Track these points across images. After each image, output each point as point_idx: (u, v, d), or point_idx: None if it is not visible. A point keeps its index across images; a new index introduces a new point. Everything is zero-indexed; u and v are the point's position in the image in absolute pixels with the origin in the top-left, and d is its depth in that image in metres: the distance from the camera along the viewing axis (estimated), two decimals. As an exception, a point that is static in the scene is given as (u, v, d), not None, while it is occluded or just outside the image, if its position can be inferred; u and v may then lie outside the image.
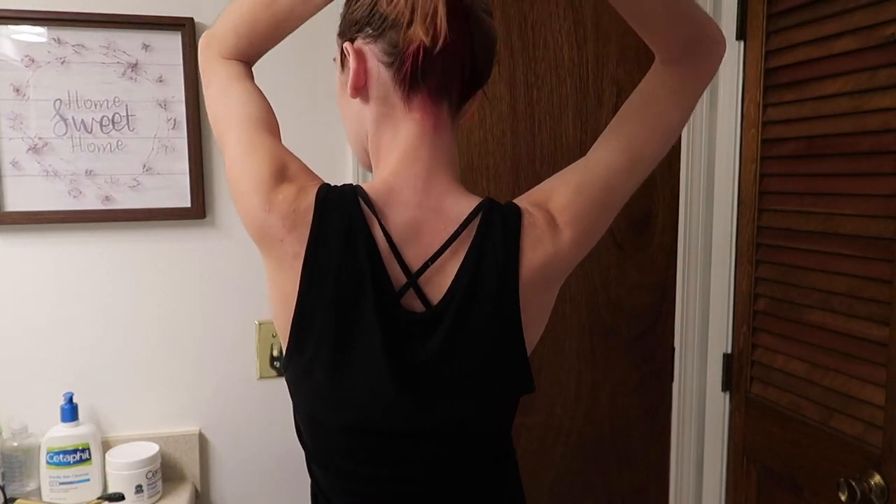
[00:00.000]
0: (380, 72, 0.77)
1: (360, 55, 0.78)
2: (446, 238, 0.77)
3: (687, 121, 0.86)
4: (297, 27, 0.86)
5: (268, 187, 0.76)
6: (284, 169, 0.77)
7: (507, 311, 0.77)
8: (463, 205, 0.78)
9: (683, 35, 0.79)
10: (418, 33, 0.72)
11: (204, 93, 0.90)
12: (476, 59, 0.77)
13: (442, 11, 0.71)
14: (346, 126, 0.87)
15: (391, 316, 0.75)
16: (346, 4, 0.81)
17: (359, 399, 0.78)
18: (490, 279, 0.76)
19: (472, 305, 0.76)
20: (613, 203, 0.83)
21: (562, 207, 0.79)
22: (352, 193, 0.76)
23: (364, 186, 0.78)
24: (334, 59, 0.86)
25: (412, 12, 0.73)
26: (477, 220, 0.77)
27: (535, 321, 0.82)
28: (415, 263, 0.77)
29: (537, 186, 0.83)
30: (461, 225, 0.77)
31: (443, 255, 0.76)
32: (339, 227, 0.75)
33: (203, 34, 0.91)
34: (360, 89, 0.79)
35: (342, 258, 0.74)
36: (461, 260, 0.76)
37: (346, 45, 0.79)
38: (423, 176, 0.78)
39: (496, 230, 0.76)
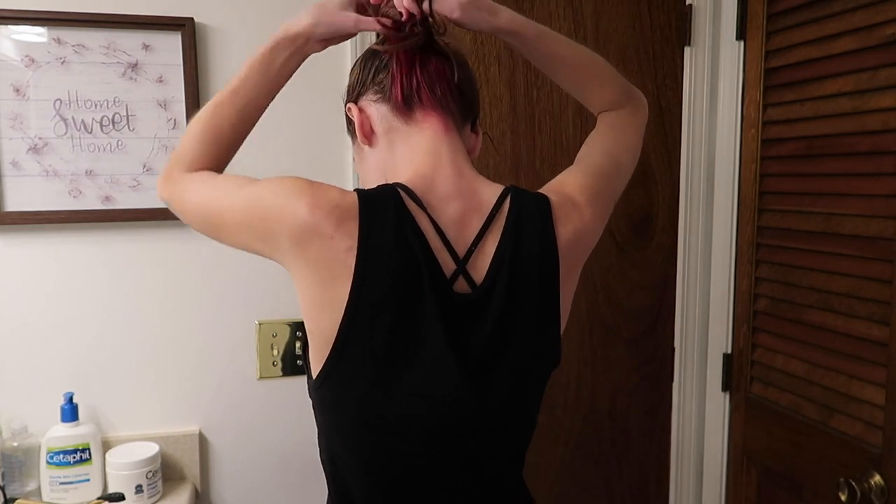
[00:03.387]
0: (378, 110, 0.86)
1: (359, 109, 0.87)
2: (484, 219, 0.81)
3: (642, 136, 1.02)
4: (260, 115, 0.92)
5: (309, 190, 0.77)
6: (313, 181, 0.80)
7: (550, 278, 0.82)
8: (491, 189, 0.84)
9: (620, 88, 0.98)
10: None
11: (180, 209, 0.91)
12: (454, 70, 0.85)
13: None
14: (370, 180, 0.90)
15: (447, 301, 0.78)
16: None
17: (423, 388, 0.78)
18: (531, 249, 0.81)
19: (518, 277, 0.80)
20: (613, 194, 0.94)
21: (579, 189, 0.87)
22: (392, 190, 0.79)
23: (403, 182, 0.81)
24: (349, 133, 0.92)
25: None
26: (507, 202, 0.82)
27: (565, 308, 0.86)
28: (459, 249, 0.80)
29: (546, 185, 0.91)
30: (494, 207, 0.82)
31: (484, 236, 0.81)
32: (387, 219, 0.77)
33: (160, 176, 0.93)
34: (369, 135, 0.87)
35: (395, 249, 0.76)
36: (498, 238, 0.81)
37: (348, 106, 0.89)
38: (450, 166, 0.83)
39: (530, 207, 0.82)
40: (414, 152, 0.84)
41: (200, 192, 0.87)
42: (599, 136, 0.97)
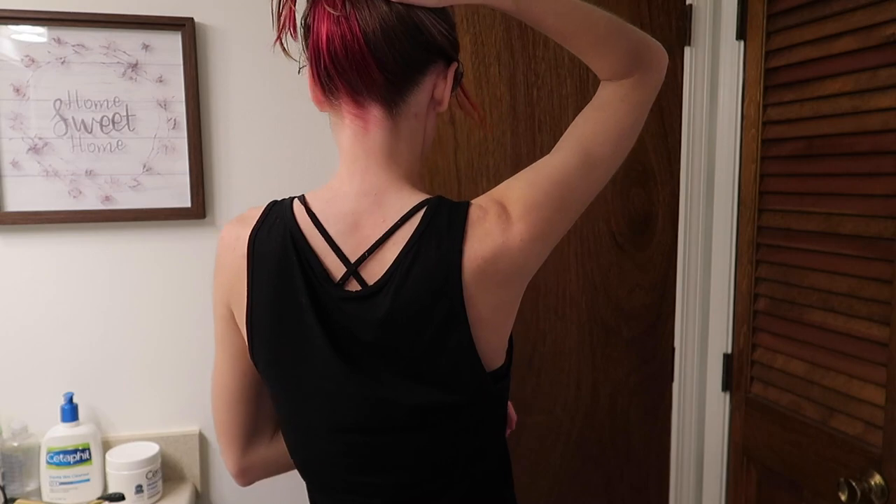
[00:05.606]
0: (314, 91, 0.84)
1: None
2: (385, 230, 0.79)
3: (640, 127, 0.87)
4: None
5: (231, 331, 0.88)
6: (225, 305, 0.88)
7: (450, 300, 0.76)
8: (406, 200, 0.80)
9: (625, 54, 0.83)
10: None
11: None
12: (375, 47, 0.75)
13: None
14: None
15: (328, 299, 0.79)
16: None
17: (316, 382, 0.81)
18: (430, 265, 0.76)
19: (410, 286, 0.76)
20: (569, 202, 0.82)
21: (514, 200, 0.79)
22: (290, 200, 0.83)
23: (310, 192, 0.85)
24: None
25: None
26: (419, 214, 0.79)
27: (489, 321, 0.79)
28: (353, 254, 0.80)
29: (496, 187, 0.83)
30: (401, 218, 0.79)
31: (383, 246, 0.79)
32: (274, 228, 0.81)
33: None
34: (319, 102, 0.84)
35: (279, 252, 0.80)
36: (400, 248, 0.78)
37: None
38: (360, 172, 0.81)
39: (441, 222, 0.78)
40: (341, 151, 0.83)
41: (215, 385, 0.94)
42: (583, 120, 0.85)
